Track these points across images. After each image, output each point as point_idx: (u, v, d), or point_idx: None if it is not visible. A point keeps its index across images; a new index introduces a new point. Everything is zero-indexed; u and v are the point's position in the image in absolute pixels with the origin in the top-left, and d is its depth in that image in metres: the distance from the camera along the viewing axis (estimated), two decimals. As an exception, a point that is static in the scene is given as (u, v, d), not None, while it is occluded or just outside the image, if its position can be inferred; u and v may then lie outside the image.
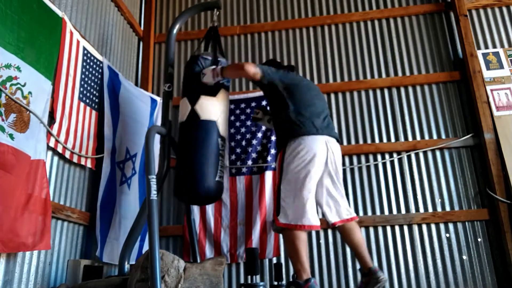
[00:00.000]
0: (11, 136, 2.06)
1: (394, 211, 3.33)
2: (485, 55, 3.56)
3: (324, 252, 3.30)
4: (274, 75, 2.54)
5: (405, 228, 3.27)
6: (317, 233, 3.35)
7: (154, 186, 2.19)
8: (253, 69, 2.47)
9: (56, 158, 2.53)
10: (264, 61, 3.92)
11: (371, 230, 3.30)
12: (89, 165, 2.79)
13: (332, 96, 3.73)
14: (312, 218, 2.30)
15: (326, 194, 2.44)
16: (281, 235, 3.37)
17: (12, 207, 2.01)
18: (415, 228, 3.27)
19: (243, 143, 3.62)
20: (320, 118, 2.49)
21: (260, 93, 3.74)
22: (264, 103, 3.69)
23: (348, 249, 3.26)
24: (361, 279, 2.40)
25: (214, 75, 2.63)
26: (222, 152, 2.65)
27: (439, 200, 3.33)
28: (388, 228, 3.29)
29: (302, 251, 2.25)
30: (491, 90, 3.42)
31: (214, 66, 2.68)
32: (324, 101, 2.67)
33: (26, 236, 2.06)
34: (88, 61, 2.91)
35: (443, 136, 3.49)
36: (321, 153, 2.37)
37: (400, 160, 3.46)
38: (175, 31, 2.90)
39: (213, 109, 2.67)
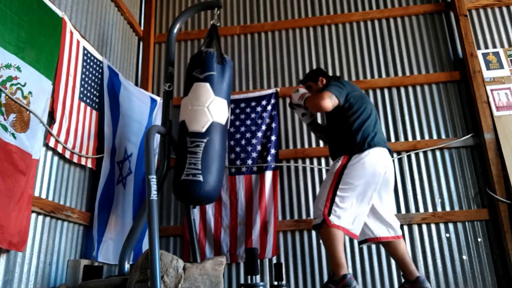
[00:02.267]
0: (13, 135, 2.07)
1: (394, 211, 3.33)
2: (485, 55, 3.56)
3: (324, 252, 3.30)
4: (343, 95, 2.60)
5: (405, 228, 3.26)
6: (317, 233, 3.35)
7: (154, 186, 2.19)
8: (328, 104, 2.51)
9: (56, 158, 2.53)
10: (264, 60, 3.94)
11: (371, 230, 3.30)
12: (89, 165, 2.79)
13: (332, 96, 3.72)
14: (358, 228, 2.47)
15: (380, 208, 2.59)
16: (275, 234, 3.39)
17: (17, 206, 2.03)
18: (415, 228, 3.27)
19: (243, 142, 3.62)
20: (381, 130, 2.65)
21: (260, 93, 3.75)
22: (264, 102, 3.69)
23: (348, 249, 3.27)
24: (403, 285, 2.55)
25: (299, 98, 2.75)
26: (191, 149, 2.57)
27: (439, 200, 3.33)
28: (388, 228, 3.28)
29: (341, 249, 2.38)
30: (491, 90, 3.42)
31: (306, 92, 2.80)
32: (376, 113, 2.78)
33: (14, 235, 2.02)
34: (88, 61, 2.91)
35: (443, 136, 3.49)
36: (385, 166, 2.53)
37: (400, 160, 3.46)
38: (175, 30, 2.90)
39: (182, 109, 2.75)
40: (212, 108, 2.64)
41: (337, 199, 2.42)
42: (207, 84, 2.68)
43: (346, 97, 2.61)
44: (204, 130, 2.58)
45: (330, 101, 2.51)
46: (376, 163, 2.49)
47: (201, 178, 2.50)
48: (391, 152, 2.64)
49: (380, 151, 2.53)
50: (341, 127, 2.64)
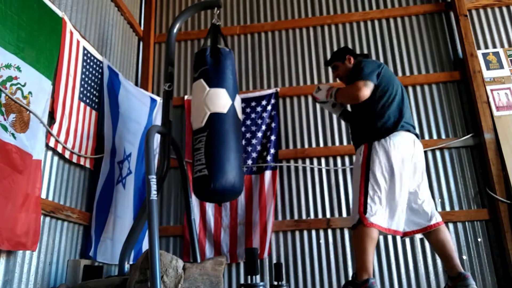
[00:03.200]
0: (13, 135, 2.07)
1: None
2: (485, 55, 3.56)
3: (324, 252, 3.30)
4: (375, 75, 2.40)
5: (405, 228, 3.26)
6: (317, 232, 3.35)
7: (154, 186, 2.19)
8: (366, 93, 2.33)
9: (56, 158, 2.53)
10: (264, 60, 3.93)
11: (371, 230, 3.30)
12: (87, 165, 2.79)
13: (332, 96, 3.72)
14: (400, 223, 2.26)
15: (415, 197, 2.35)
16: (271, 234, 3.39)
17: (16, 207, 2.03)
18: (415, 228, 3.26)
19: (243, 142, 3.61)
20: (408, 114, 2.42)
21: (260, 93, 3.75)
22: (264, 102, 3.69)
23: (348, 249, 3.27)
24: (446, 282, 2.30)
25: (328, 95, 2.60)
26: (196, 146, 2.55)
27: (439, 200, 3.32)
28: (388, 228, 3.28)
29: (369, 250, 2.18)
30: (491, 90, 3.42)
31: (330, 86, 2.65)
32: (406, 95, 2.56)
33: (21, 235, 2.05)
34: (88, 61, 2.91)
35: (443, 136, 3.49)
36: (409, 150, 2.31)
37: (400, 160, 3.46)
38: (175, 30, 2.90)
39: None
40: (207, 100, 2.59)
41: (370, 194, 2.22)
42: (201, 80, 2.67)
43: (377, 78, 2.41)
44: (203, 124, 2.54)
45: (367, 89, 2.33)
46: (403, 147, 2.28)
47: (206, 172, 2.43)
48: (418, 138, 2.46)
49: (403, 135, 2.31)
50: (363, 110, 2.43)
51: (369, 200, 2.22)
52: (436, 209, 3.24)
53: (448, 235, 2.32)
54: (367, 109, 2.41)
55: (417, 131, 2.40)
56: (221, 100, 2.62)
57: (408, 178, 2.29)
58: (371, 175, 2.26)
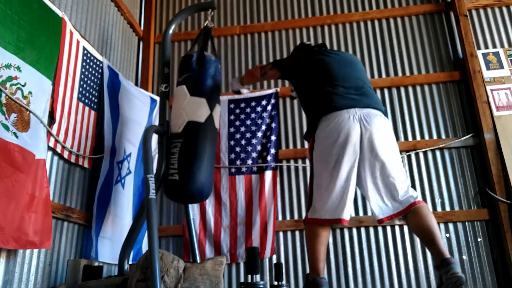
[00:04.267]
0: (15, 134, 2.08)
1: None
2: (485, 55, 3.56)
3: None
4: (286, 63, 2.56)
5: (405, 228, 3.26)
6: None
7: (152, 185, 2.20)
8: (256, 73, 2.62)
9: (56, 158, 2.53)
10: (264, 60, 3.94)
11: (371, 230, 3.30)
12: (86, 165, 2.79)
13: (332, 96, 3.72)
14: (337, 211, 2.08)
15: (370, 182, 2.15)
16: (274, 234, 3.39)
17: (21, 206, 2.04)
18: (415, 228, 3.26)
19: (243, 142, 3.62)
20: (348, 89, 2.19)
21: (260, 93, 3.75)
22: (264, 102, 3.69)
23: (348, 249, 3.27)
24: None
25: (239, 82, 2.89)
26: (171, 150, 2.60)
27: (439, 200, 3.33)
28: (388, 228, 3.28)
29: (316, 249, 2.08)
30: (491, 90, 3.43)
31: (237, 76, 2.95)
32: (360, 71, 2.37)
33: (31, 234, 2.08)
34: (88, 61, 2.91)
35: (443, 136, 3.49)
36: (353, 131, 2.06)
37: (400, 160, 3.46)
38: (170, 31, 2.91)
39: None
40: (187, 108, 2.64)
41: (314, 191, 2.17)
42: (183, 86, 2.69)
43: (294, 67, 2.44)
44: (180, 130, 2.59)
45: (258, 71, 2.61)
46: (336, 130, 2.08)
47: (177, 177, 2.51)
48: (380, 110, 2.19)
49: (337, 116, 2.10)
50: (302, 104, 2.47)
51: (313, 198, 2.17)
52: (436, 209, 3.29)
53: (426, 219, 2.02)
54: (303, 102, 2.46)
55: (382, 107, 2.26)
56: (199, 110, 2.66)
57: (353, 162, 2.09)
58: (315, 170, 2.19)
